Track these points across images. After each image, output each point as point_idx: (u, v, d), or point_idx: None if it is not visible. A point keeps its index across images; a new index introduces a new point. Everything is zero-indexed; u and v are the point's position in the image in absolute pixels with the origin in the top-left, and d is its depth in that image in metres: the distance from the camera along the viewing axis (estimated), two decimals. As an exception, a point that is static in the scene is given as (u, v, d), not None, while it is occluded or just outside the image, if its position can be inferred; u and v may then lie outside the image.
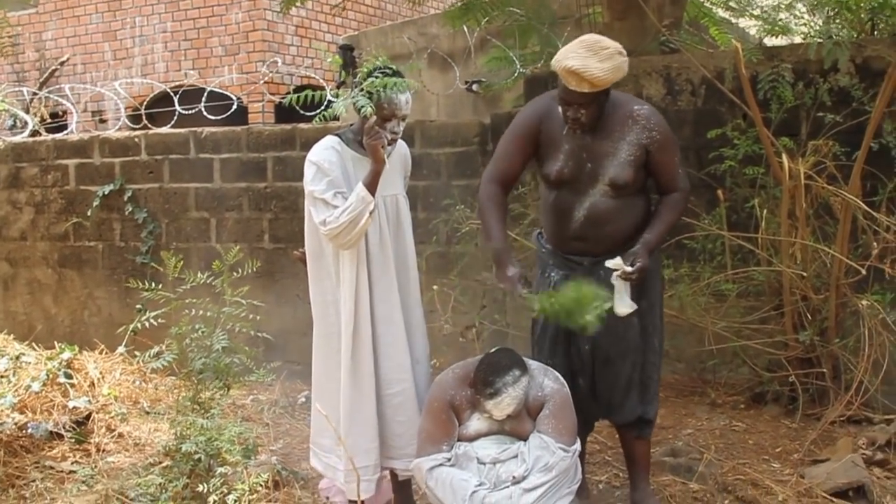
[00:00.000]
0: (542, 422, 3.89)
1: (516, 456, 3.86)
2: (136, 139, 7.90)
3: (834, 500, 4.37)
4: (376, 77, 4.02)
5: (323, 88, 4.78)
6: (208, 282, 4.64)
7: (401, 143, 4.33)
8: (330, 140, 4.15)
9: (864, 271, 4.90)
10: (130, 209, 7.85)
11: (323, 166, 4.04)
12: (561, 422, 3.88)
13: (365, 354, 4.16)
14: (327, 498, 4.76)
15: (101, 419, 5.77)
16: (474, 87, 9.97)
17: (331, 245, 4.14)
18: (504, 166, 4.25)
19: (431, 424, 3.95)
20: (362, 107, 3.88)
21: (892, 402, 5.17)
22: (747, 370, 5.71)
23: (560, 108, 3.97)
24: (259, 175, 7.53)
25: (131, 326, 5.18)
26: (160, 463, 4.90)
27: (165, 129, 7.92)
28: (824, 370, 5.17)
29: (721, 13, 8.69)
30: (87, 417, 5.71)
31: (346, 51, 7.59)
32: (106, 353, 6.66)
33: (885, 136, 5.38)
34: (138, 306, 7.29)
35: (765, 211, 5.30)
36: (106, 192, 7.90)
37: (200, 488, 4.19)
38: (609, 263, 3.96)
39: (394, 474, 4.43)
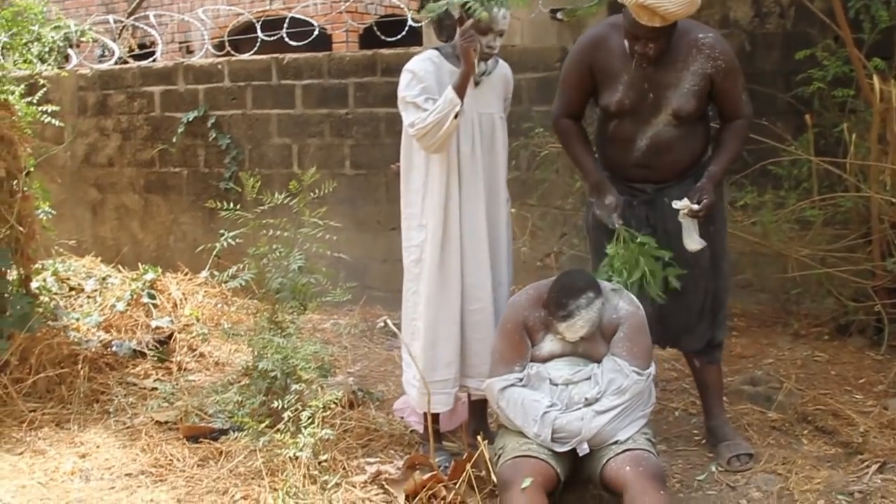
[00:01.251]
0: (616, 344, 3.81)
1: (589, 378, 3.79)
2: (220, 66, 7.92)
3: (917, 432, 4.24)
4: None
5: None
6: (287, 203, 4.67)
7: (503, 65, 4.30)
8: (429, 52, 4.15)
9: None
10: (214, 135, 7.89)
11: (418, 73, 4.03)
12: (636, 345, 3.81)
13: (453, 266, 4.14)
14: (402, 418, 4.78)
15: (183, 339, 5.88)
16: (559, 14, 9.78)
17: (421, 156, 4.14)
18: (566, 101, 4.22)
19: (504, 345, 3.91)
20: (474, 10, 3.83)
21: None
22: (832, 301, 5.54)
23: (626, 42, 3.86)
24: (340, 101, 7.50)
25: (215, 251, 5.25)
26: (238, 381, 4.97)
27: (248, 56, 7.92)
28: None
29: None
30: (170, 337, 5.80)
31: (427, -22, 7.38)
32: (189, 275, 6.74)
33: None
34: (221, 231, 7.35)
35: (854, 136, 5.08)
36: (190, 119, 7.95)
37: (276, 404, 4.24)
38: (676, 204, 3.90)
39: (469, 396, 4.42)
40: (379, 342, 6.39)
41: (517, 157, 6.73)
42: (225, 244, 4.81)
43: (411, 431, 4.62)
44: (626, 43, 3.87)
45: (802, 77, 5.53)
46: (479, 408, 4.46)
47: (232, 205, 6.14)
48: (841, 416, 4.44)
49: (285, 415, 4.10)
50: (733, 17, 6.19)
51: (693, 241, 3.94)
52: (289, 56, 7.70)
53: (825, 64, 5.37)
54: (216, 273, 4.88)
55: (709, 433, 4.31)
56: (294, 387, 4.31)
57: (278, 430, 4.08)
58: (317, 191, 4.80)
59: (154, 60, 8.51)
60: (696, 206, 3.88)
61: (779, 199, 5.43)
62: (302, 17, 8.97)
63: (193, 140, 8.05)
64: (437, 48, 4.18)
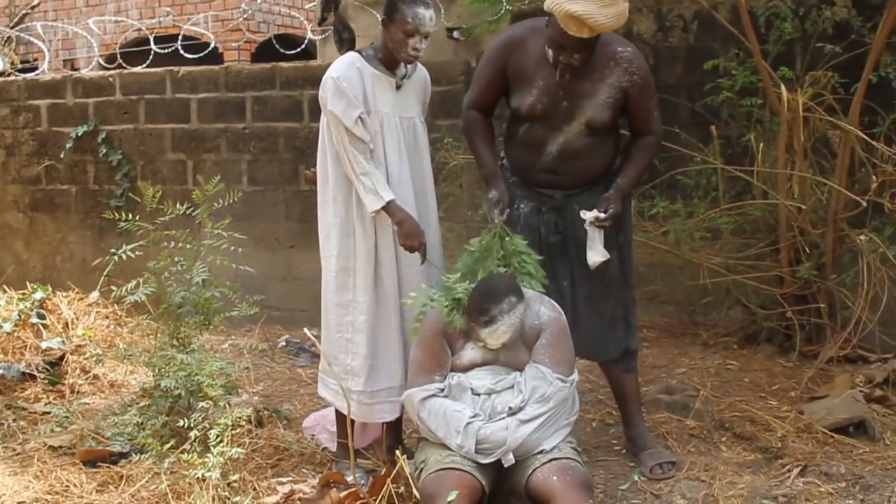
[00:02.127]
0: (538, 351, 3.71)
1: (512, 387, 3.67)
2: (111, 79, 7.62)
3: (834, 435, 4.24)
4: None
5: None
6: (189, 214, 4.47)
7: (421, 68, 4.22)
8: (350, 56, 4.04)
9: (864, 202, 4.73)
10: (104, 151, 7.57)
11: (341, 85, 3.91)
12: (558, 351, 3.71)
13: (388, 273, 4.02)
14: (312, 436, 4.59)
15: (76, 361, 5.56)
16: (455, 34, 9.75)
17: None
18: (478, 94, 4.16)
19: (423, 354, 3.76)
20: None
21: (889, 340, 5.04)
22: (739, 311, 5.57)
23: (549, 50, 3.79)
24: (238, 115, 7.29)
25: (107, 270, 5.00)
26: (137, 403, 4.72)
27: (140, 69, 7.64)
28: (821, 305, 5.01)
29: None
30: (61, 359, 5.49)
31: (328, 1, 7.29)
32: (80, 294, 6.42)
33: (884, 69, 5.21)
34: (113, 250, 7.04)
35: (761, 145, 5.11)
36: (79, 134, 7.62)
37: (181, 423, 4.02)
38: (584, 215, 3.86)
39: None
40: (281, 361, 6.20)
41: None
42: (119, 258, 4.55)
43: (323, 449, 4.43)
44: (548, 51, 3.80)
45: (710, 87, 5.56)
46: (393, 423, 4.30)
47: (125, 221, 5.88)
48: (758, 421, 4.43)
49: (191, 434, 3.88)
50: (637, 30, 6.21)
51: (597, 253, 3.90)
52: (184, 69, 7.46)
53: (733, 74, 5.40)
54: (113, 288, 4.60)
55: (629, 442, 4.24)
56: (200, 405, 4.08)
57: (184, 450, 3.86)
58: (220, 201, 4.62)
59: (41, 73, 8.14)
60: (602, 216, 3.85)
61: (689, 208, 5.42)
62: (194, 34, 8.74)
63: (82, 156, 7.72)
64: (357, 51, 4.07)
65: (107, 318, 6.36)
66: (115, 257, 4.59)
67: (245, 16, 9.46)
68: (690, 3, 6.07)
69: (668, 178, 5.46)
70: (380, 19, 4.00)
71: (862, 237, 4.84)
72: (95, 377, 5.48)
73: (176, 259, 4.53)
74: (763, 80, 5.07)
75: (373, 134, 3.94)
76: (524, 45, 3.95)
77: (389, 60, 3.99)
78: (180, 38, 7.86)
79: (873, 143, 4.80)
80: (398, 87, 4.04)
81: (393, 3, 3.90)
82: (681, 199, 5.50)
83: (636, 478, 3.99)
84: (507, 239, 3.87)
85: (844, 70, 5.22)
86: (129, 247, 4.57)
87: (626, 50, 3.91)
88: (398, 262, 4.03)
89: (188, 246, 4.53)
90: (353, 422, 3.90)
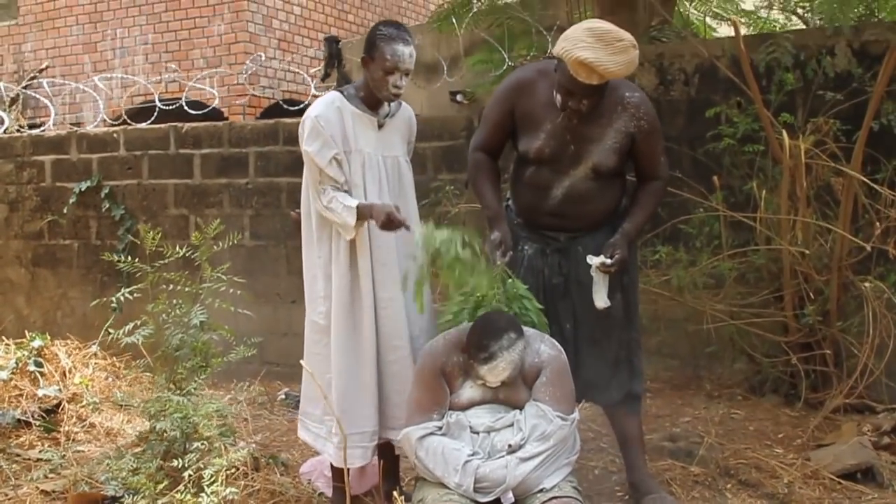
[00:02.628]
0: (538, 390, 3.65)
1: (512, 425, 3.62)
2: (115, 134, 7.66)
3: (842, 481, 4.15)
4: (380, 31, 3.87)
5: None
6: (188, 258, 4.45)
7: (405, 108, 4.18)
8: (332, 95, 3.99)
9: (868, 247, 4.70)
10: (107, 206, 7.57)
11: (318, 124, 3.87)
12: (559, 389, 3.65)
13: (365, 316, 3.94)
14: (309, 482, 4.50)
15: (72, 409, 5.49)
16: (458, 97, 9.84)
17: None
18: (484, 136, 4.15)
19: (421, 392, 3.71)
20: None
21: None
22: (744, 362, 5.50)
23: (558, 95, 3.79)
24: (240, 171, 7.30)
25: (107, 324, 4.97)
26: (132, 449, 4.65)
27: (145, 125, 7.68)
28: (826, 352, 4.94)
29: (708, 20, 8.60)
30: (58, 406, 5.42)
31: (332, 43, 7.31)
32: (79, 344, 6.36)
33: (886, 117, 5.22)
34: (113, 305, 7.00)
35: (763, 192, 5.09)
36: (83, 189, 7.62)
37: (175, 463, 3.94)
38: (590, 260, 3.84)
39: (382, 456, 4.18)
40: (280, 413, 6.11)
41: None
42: (120, 311, 4.52)
43: (319, 495, 4.34)
44: (556, 96, 3.80)
45: (712, 134, 5.55)
46: (391, 468, 4.21)
47: (126, 280, 5.89)
48: (764, 468, 4.34)
49: (186, 474, 3.80)
50: (639, 83, 6.22)
51: (600, 299, 3.86)
52: (188, 125, 7.50)
53: (734, 121, 5.41)
54: (111, 331, 4.55)
55: (632, 488, 4.15)
56: (195, 445, 4.01)
57: (178, 491, 3.78)
58: (219, 244, 4.59)
59: (46, 129, 8.18)
60: (608, 261, 3.82)
61: (691, 256, 5.39)
62: (199, 98, 8.82)
63: (85, 211, 7.71)
64: (339, 90, 4.03)
65: (105, 369, 6.30)
66: (116, 310, 4.55)
67: (249, 73, 9.51)
68: (692, 56, 6.11)
69: (671, 226, 5.43)
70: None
71: (867, 284, 4.79)
72: (91, 425, 5.41)
73: (174, 302, 4.49)
74: (765, 127, 5.07)
75: (352, 174, 3.90)
76: (532, 89, 3.95)
77: (371, 99, 3.95)
78: (184, 96, 7.89)
79: (877, 187, 4.77)
80: (380, 126, 4.00)
81: (372, 41, 3.87)
82: (683, 248, 5.46)
83: (639, 523, 3.90)
84: (509, 282, 3.83)
85: (846, 118, 5.23)
86: (129, 289, 4.53)
87: (634, 95, 3.92)
88: (376, 307, 3.96)
89: (187, 289, 4.49)
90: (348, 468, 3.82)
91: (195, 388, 4.40)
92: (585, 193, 3.95)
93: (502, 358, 3.52)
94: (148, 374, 4.84)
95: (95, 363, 6.28)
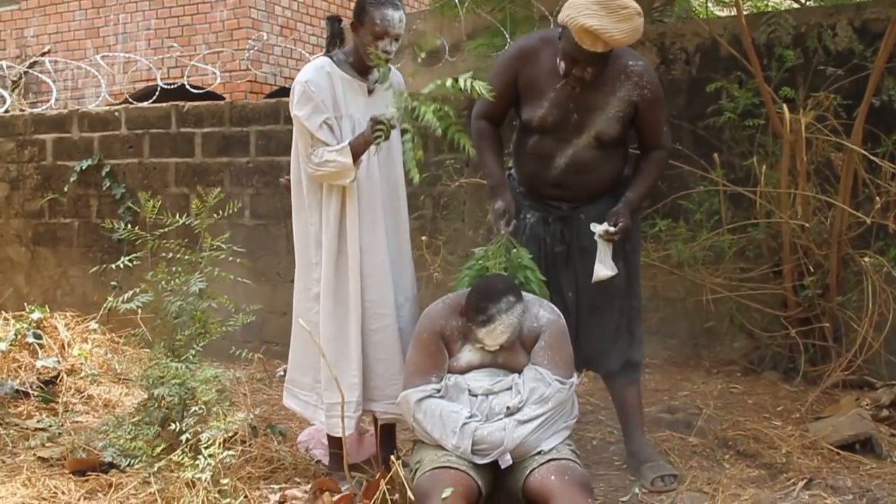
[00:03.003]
0: (537, 354, 3.65)
1: (510, 388, 3.61)
2: (117, 113, 7.64)
3: (840, 451, 4.14)
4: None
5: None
6: (188, 231, 4.47)
7: (395, 73, 4.14)
8: (321, 61, 3.98)
9: (868, 221, 4.68)
10: (108, 184, 7.56)
11: (309, 89, 3.85)
12: (557, 353, 3.64)
13: (351, 285, 3.93)
14: (307, 450, 4.50)
15: (71, 382, 5.48)
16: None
17: None
18: (488, 104, 4.07)
19: (420, 355, 3.69)
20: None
21: (894, 364, 4.96)
22: (742, 340, 5.49)
23: (561, 63, 3.77)
24: (241, 150, 7.28)
25: (105, 305, 4.96)
26: (131, 418, 4.64)
27: (146, 104, 7.67)
28: (825, 325, 4.93)
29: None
30: (56, 378, 5.42)
31: (334, 22, 7.29)
32: (78, 318, 6.35)
33: (887, 93, 5.22)
34: (113, 283, 7.00)
35: (764, 168, 5.08)
36: (83, 168, 7.60)
37: (173, 427, 3.94)
38: (594, 228, 3.83)
39: (377, 427, 4.17)
40: (278, 389, 6.08)
41: (422, 203, 6.59)
42: (121, 268, 4.51)
43: (317, 462, 4.34)
44: (560, 63, 3.78)
45: (713, 109, 5.54)
46: (388, 438, 4.22)
47: (125, 256, 5.85)
48: (762, 440, 4.33)
49: (183, 437, 3.80)
50: (639, 64, 6.22)
51: (605, 267, 3.85)
52: (189, 104, 7.48)
53: (736, 96, 5.40)
54: (110, 299, 4.54)
55: (630, 456, 4.14)
56: (193, 409, 4.01)
57: (175, 455, 3.78)
58: (220, 212, 4.60)
59: (47, 108, 8.17)
60: (612, 229, 3.82)
61: (691, 231, 5.38)
62: (201, 84, 8.80)
63: (86, 190, 7.70)
64: (329, 55, 4.02)
65: (103, 345, 6.29)
66: (116, 287, 4.55)
67: (251, 52, 9.50)
68: (693, 36, 6.10)
69: (671, 202, 5.42)
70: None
71: (867, 259, 4.77)
72: (90, 397, 5.40)
73: (174, 269, 4.48)
74: (765, 101, 5.07)
75: (343, 139, 3.86)
76: (536, 57, 3.93)
77: (360, 65, 3.93)
78: (186, 75, 7.88)
79: (877, 160, 4.76)
80: (370, 92, 3.98)
81: (361, 6, 3.85)
82: (684, 224, 5.45)
83: (637, 490, 3.89)
84: (513, 251, 3.82)
85: (847, 95, 5.22)
86: (128, 258, 4.54)
87: (638, 63, 3.91)
88: (363, 274, 3.94)
89: (186, 258, 4.48)
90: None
91: (194, 356, 4.40)
92: (588, 163, 3.95)
93: (501, 321, 3.52)
94: (146, 349, 4.83)
95: (94, 339, 6.28)
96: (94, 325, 6.39)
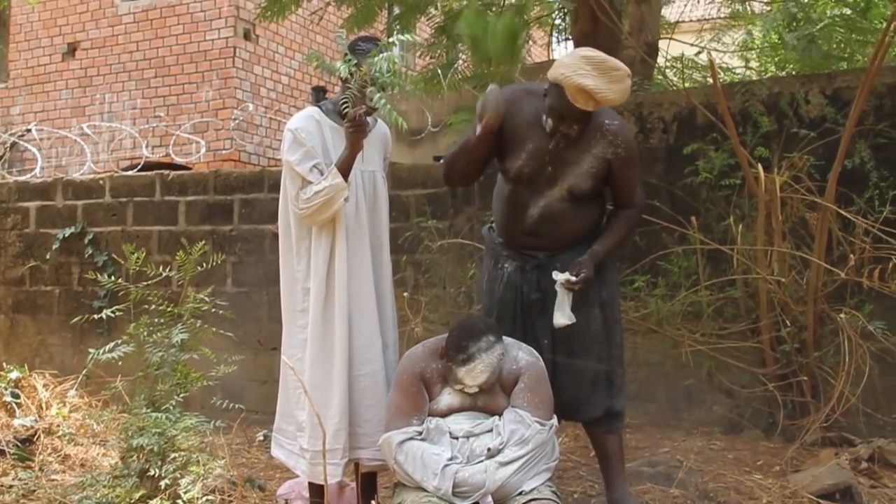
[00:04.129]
0: (517, 396, 3.68)
1: (491, 430, 3.63)
2: (101, 181, 7.72)
3: (821, 501, 4.14)
4: (359, 46, 3.96)
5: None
6: (171, 276, 4.51)
7: (381, 124, 4.26)
8: (309, 110, 4.09)
9: (843, 275, 4.76)
10: (90, 252, 7.60)
11: (299, 136, 3.94)
12: (537, 395, 3.68)
13: (338, 329, 3.96)
14: (286, 502, 4.47)
15: (48, 442, 5.44)
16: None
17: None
18: None
19: (401, 398, 3.72)
20: (372, 98, 3.80)
21: (872, 420, 4.98)
22: (722, 400, 5.52)
23: (548, 119, 3.86)
24: (225, 218, 7.35)
25: (84, 370, 4.97)
26: (109, 475, 4.60)
27: (131, 172, 7.75)
28: (803, 378, 4.97)
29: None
30: (33, 437, 5.37)
31: (319, 92, 7.48)
32: (58, 378, 6.33)
33: (859, 155, 5.35)
34: (91, 350, 6.98)
35: (740, 227, 5.18)
36: (66, 235, 7.64)
37: (152, 473, 3.92)
38: (556, 276, 3.87)
39: (359, 475, 4.16)
40: (260, 451, 6.06)
41: (403, 266, 6.65)
42: (105, 316, 4.53)
43: (297, 514, 4.31)
44: (547, 120, 3.86)
45: (691, 169, 5.66)
46: (369, 488, 4.20)
47: (107, 328, 5.90)
48: (743, 491, 4.33)
49: (162, 484, 3.78)
50: (618, 131, 6.36)
51: (563, 315, 3.85)
52: (174, 172, 7.57)
53: (712, 157, 5.52)
54: (91, 351, 4.54)
55: (611, 505, 4.13)
56: (172, 455, 3.99)
57: (153, 501, 3.76)
58: (204, 265, 4.64)
59: (32, 176, 8.24)
60: (573, 279, 3.84)
61: (671, 291, 5.44)
62: (185, 164, 8.90)
63: (68, 257, 7.73)
64: (318, 105, 4.11)
65: (81, 408, 6.25)
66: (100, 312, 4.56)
67: (236, 124, 9.63)
68: (670, 105, 6.25)
69: (650, 262, 5.48)
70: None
71: (842, 315, 4.83)
72: (66, 456, 5.35)
73: (155, 321, 4.50)
74: (741, 162, 5.18)
75: None
76: (519, 107, 4.00)
77: None
78: (171, 145, 7.98)
79: (851, 216, 4.86)
80: None
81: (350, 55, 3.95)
82: (663, 282, 5.51)
83: (619, 538, 3.88)
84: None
85: (819, 157, 5.35)
86: (112, 309, 4.57)
87: (614, 123, 3.99)
88: (351, 319, 3.98)
89: (168, 309, 4.50)
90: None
91: (174, 406, 4.39)
92: (560, 214, 4.00)
93: (481, 360, 3.56)
94: (125, 412, 4.81)
95: (72, 403, 6.24)
96: (72, 392, 6.36)
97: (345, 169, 3.88)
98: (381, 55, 3.79)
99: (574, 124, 3.82)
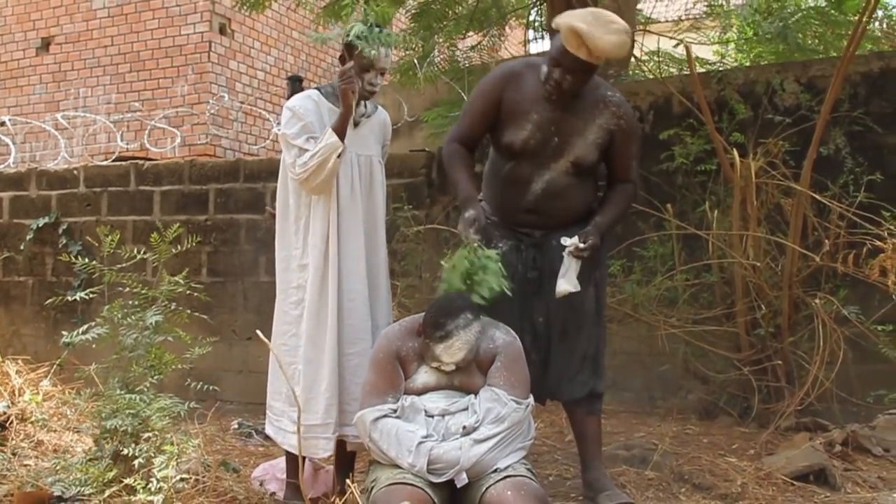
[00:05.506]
0: (493, 375, 3.66)
1: (466, 408, 3.61)
2: (75, 171, 7.68)
3: (795, 482, 4.16)
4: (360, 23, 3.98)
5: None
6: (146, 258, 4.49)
7: (381, 111, 4.30)
8: (309, 91, 4.13)
9: (818, 260, 4.79)
10: (64, 242, 7.54)
11: (298, 111, 3.99)
12: (513, 374, 3.66)
13: (329, 308, 3.98)
14: (261, 483, 4.44)
15: (21, 428, 5.39)
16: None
17: (302, 196, 4.04)
18: (466, 127, 4.17)
19: (376, 376, 3.70)
20: (362, 49, 3.88)
21: (846, 405, 5.02)
22: (697, 387, 5.54)
23: (545, 69, 3.86)
24: (200, 207, 7.32)
25: (58, 361, 4.93)
26: (83, 458, 4.57)
27: (106, 162, 7.70)
28: (777, 363, 4.99)
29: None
30: (6, 422, 5.32)
31: (295, 82, 7.49)
32: (32, 364, 6.27)
33: (833, 142, 5.39)
34: (65, 339, 6.93)
35: (716, 213, 5.20)
36: (40, 225, 7.59)
37: (126, 453, 3.89)
38: (564, 241, 3.86)
39: (338, 454, 4.14)
40: (235, 439, 6.03)
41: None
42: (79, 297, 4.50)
43: (271, 495, 4.29)
44: (542, 68, 3.87)
45: (667, 155, 5.68)
46: (345, 471, 4.18)
47: (80, 317, 5.82)
48: (717, 473, 4.33)
49: (136, 463, 3.76)
50: (594, 122, 6.36)
51: (568, 283, 3.84)
52: (149, 162, 7.53)
53: (689, 143, 5.54)
54: (64, 334, 4.51)
55: (586, 486, 4.12)
56: (146, 435, 3.96)
57: (127, 479, 3.73)
58: (178, 247, 4.62)
59: (6, 166, 8.17)
60: (581, 245, 3.83)
61: (646, 277, 5.46)
62: (159, 156, 8.84)
63: (42, 248, 7.68)
64: (317, 87, 4.15)
65: (55, 396, 6.19)
66: (69, 345, 4.50)
67: (210, 108, 9.58)
68: (646, 94, 6.28)
69: (626, 247, 5.50)
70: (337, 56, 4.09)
71: (817, 300, 4.86)
72: (39, 442, 5.29)
73: (130, 302, 4.47)
74: (717, 148, 5.21)
75: None
76: (520, 80, 4.01)
77: None
78: (146, 135, 7.93)
79: (825, 201, 4.89)
80: (356, 124, 4.08)
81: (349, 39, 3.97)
82: (639, 269, 5.53)
83: (593, 518, 3.88)
84: (479, 251, 3.81)
85: (794, 144, 5.39)
86: (85, 292, 4.55)
87: (615, 95, 4.02)
88: (342, 298, 3.99)
89: (143, 291, 4.47)
90: (304, 461, 3.79)
91: (148, 388, 4.36)
92: (563, 189, 4.00)
93: (458, 337, 3.54)
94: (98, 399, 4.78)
95: (46, 392, 6.19)
96: (45, 382, 6.31)
97: (339, 128, 3.91)
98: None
99: (566, 73, 3.79)
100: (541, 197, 4.02)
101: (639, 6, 8.81)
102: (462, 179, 4.09)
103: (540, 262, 4.04)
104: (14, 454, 5.10)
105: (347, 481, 3.57)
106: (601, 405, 4.21)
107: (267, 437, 5.90)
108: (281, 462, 4.37)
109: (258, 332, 3.71)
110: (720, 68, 6.41)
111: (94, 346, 4.37)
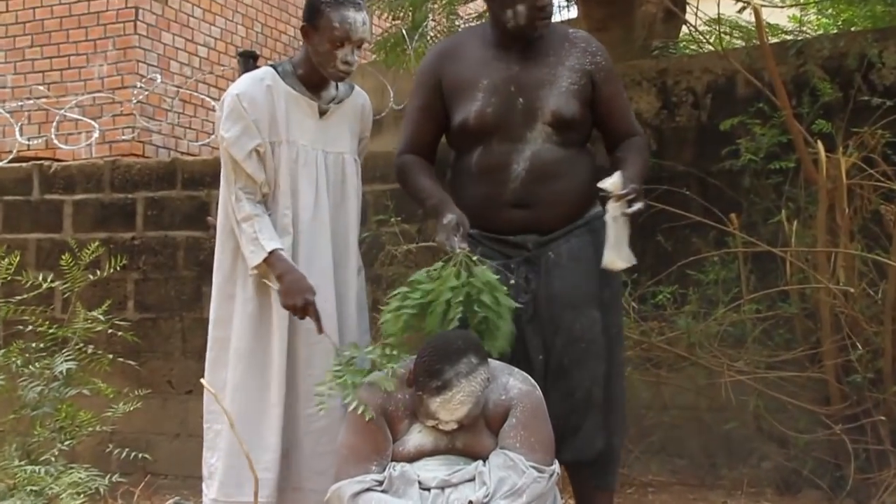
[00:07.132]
0: (507, 434, 3.65)
1: (472, 479, 3.60)
2: (-39, 176, 7.70)
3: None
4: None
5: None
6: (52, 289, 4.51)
7: (358, 93, 4.28)
8: (262, 71, 4.08)
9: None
10: (-55, 268, 7.55)
11: (239, 105, 3.93)
12: (533, 433, 3.65)
13: (275, 348, 3.95)
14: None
15: None
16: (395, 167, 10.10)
17: None
18: (411, 134, 4.18)
19: (356, 436, 3.69)
20: None
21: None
22: (773, 453, 5.53)
23: (521, 7, 3.89)
24: (125, 222, 7.33)
25: None
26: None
27: (1, 163, 7.72)
28: (881, 419, 4.98)
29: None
30: None
31: (248, 59, 7.55)
32: None
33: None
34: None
35: (795, 225, 5.21)
36: (-89, 247, 7.61)
37: (27, 538, 3.90)
38: (603, 183, 3.75)
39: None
40: (171, 522, 6.05)
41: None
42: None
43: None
44: (512, 10, 3.89)
45: (730, 150, 5.69)
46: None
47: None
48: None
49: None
50: (635, 109, 6.38)
51: (619, 254, 3.74)
52: (57, 164, 7.55)
53: (760, 134, 5.55)
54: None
55: None
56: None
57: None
58: (97, 273, 4.64)
59: None
60: (623, 190, 3.72)
61: (704, 309, 5.47)
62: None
63: (-83, 276, 7.68)
64: (272, 65, 4.12)
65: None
66: None
67: (136, 93, 9.63)
68: (702, 73, 6.31)
69: (677, 269, 5.51)
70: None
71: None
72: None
73: (33, 345, 4.48)
74: (795, 140, 5.22)
75: (280, 172, 3.95)
76: (459, 51, 4.09)
77: (313, 78, 4.02)
78: (54, 128, 7.95)
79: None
80: (322, 114, 4.07)
81: (315, 6, 3.93)
82: (695, 298, 5.53)
83: None
84: (476, 269, 3.75)
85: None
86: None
87: (579, 32, 4.13)
88: (290, 340, 3.97)
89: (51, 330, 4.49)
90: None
91: (56, 458, 4.37)
92: (552, 165, 3.97)
93: (460, 388, 3.53)
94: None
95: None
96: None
97: (272, 267, 3.86)
98: None
99: None
100: (526, 181, 3.97)
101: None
102: (427, 185, 4.08)
103: (534, 283, 4.00)
104: None
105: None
106: (615, 478, 4.15)
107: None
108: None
109: (203, 381, 3.72)
110: (799, 38, 6.40)
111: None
